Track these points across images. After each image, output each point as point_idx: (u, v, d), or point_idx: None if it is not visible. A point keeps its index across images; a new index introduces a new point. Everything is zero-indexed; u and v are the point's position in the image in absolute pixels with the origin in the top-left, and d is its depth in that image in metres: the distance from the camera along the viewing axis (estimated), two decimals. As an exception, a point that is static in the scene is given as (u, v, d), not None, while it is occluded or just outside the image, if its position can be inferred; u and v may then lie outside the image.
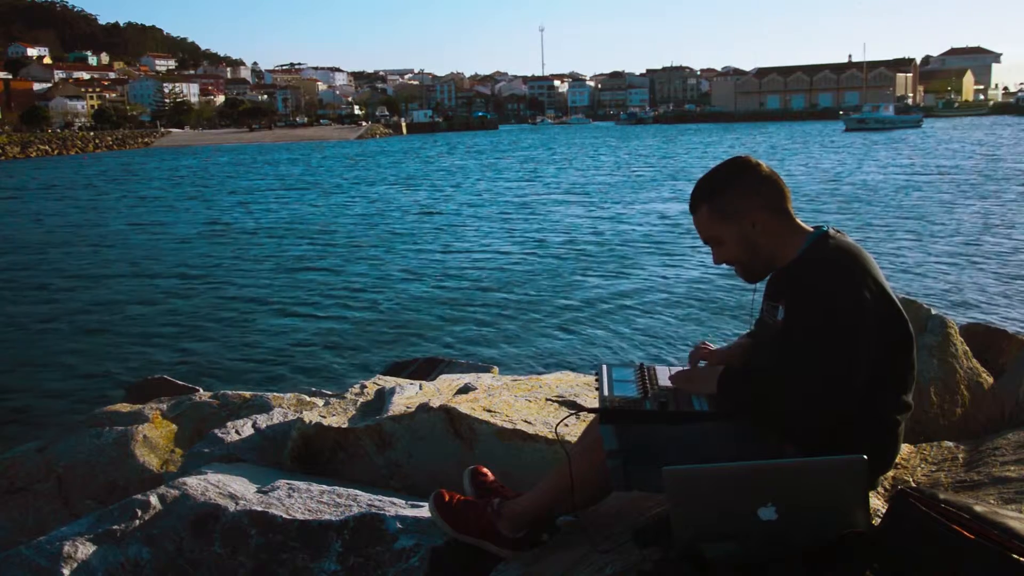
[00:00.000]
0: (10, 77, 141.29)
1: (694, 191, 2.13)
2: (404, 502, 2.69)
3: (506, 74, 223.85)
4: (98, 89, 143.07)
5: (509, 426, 2.92)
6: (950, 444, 2.68)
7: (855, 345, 1.86)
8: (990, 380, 3.32)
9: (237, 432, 3.47)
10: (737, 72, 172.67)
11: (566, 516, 2.41)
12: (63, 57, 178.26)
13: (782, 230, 2.05)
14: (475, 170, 45.73)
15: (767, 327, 2.11)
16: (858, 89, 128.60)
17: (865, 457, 1.66)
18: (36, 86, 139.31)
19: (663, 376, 2.25)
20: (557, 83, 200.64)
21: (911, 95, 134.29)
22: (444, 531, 2.40)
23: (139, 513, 2.60)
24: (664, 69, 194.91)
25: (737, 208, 2.04)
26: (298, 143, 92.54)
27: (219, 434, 3.45)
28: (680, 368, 2.29)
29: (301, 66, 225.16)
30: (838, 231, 2.04)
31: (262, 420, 3.59)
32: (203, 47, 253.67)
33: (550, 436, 2.85)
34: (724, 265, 2.15)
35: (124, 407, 4.34)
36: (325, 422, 3.25)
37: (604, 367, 2.30)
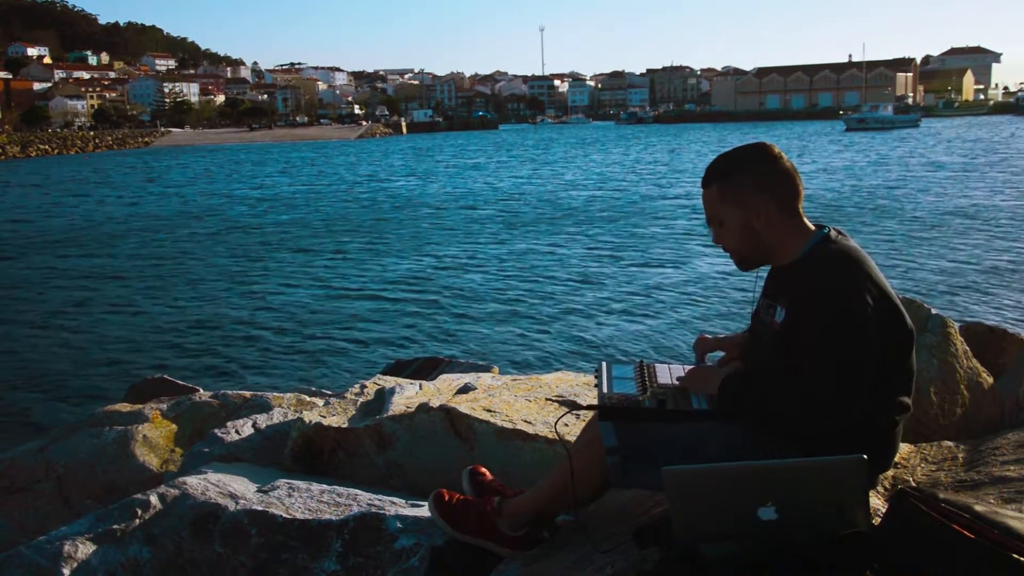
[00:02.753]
0: (10, 77, 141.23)
1: (710, 166, 2.10)
2: (404, 502, 2.69)
3: (506, 74, 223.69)
4: (98, 89, 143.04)
5: (509, 426, 2.92)
6: (950, 444, 2.68)
7: (858, 348, 1.85)
8: (990, 380, 3.32)
9: (237, 432, 3.47)
10: (737, 72, 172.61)
11: (566, 516, 2.41)
12: (63, 57, 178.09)
13: (786, 228, 2.04)
14: (480, 169, 45.73)
15: (764, 325, 2.10)
16: (858, 89, 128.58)
17: (865, 457, 1.66)
18: (36, 86, 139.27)
19: (663, 374, 2.25)
20: (557, 83, 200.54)
21: (911, 95, 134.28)
22: (444, 531, 2.40)
23: (139, 513, 2.60)
24: (664, 69, 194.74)
25: (747, 195, 2.02)
26: (302, 143, 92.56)
27: (219, 434, 3.45)
28: (679, 366, 2.28)
29: (301, 66, 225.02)
30: (840, 232, 2.03)
31: (262, 420, 3.59)
32: (203, 47, 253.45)
33: (550, 435, 2.85)
34: (721, 248, 2.14)
35: (124, 407, 4.34)
36: (325, 422, 3.25)
37: (604, 364, 2.29)
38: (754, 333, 2.22)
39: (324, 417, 3.31)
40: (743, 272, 2.17)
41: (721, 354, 2.36)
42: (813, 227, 2.06)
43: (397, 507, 2.62)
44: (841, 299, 1.87)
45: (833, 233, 2.02)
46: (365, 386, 3.78)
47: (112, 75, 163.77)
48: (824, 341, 1.86)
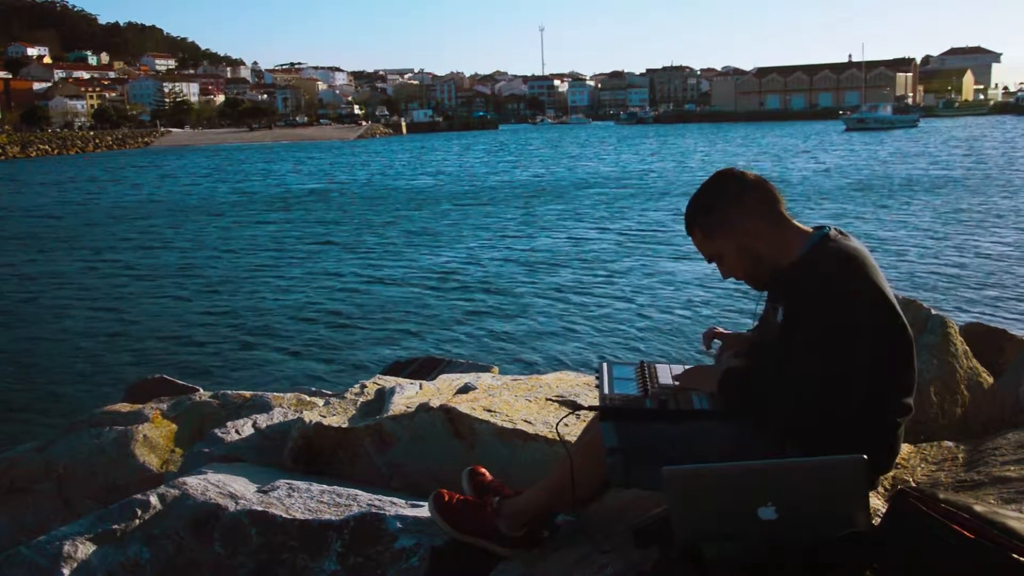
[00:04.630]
0: (10, 77, 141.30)
1: (686, 215, 2.14)
2: (404, 502, 2.69)
3: (506, 74, 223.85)
4: (98, 89, 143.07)
5: (509, 426, 2.92)
6: (950, 444, 2.68)
7: (852, 348, 1.86)
8: (990, 380, 3.32)
9: (237, 432, 3.46)
10: (737, 72, 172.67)
11: (566, 516, 2.41)
12: (63, 57, 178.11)
13: (779, 235, 2.05)
14: (483, 168, 45.73)
15: (770, 326, 2.11)
16: (858, 89, 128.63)
17: (865, 457, 1.66)
18: (36, 86, 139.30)
19: (664, 374, 2.25)
20: (557, 83, 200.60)
21: (911, 95, 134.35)
22: (444, 531, 2.40)
23: (139, 513, 2.60)
24: (664, 69, 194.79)
25: (730, 224, 2.05)
26: (303, 143, 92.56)
27: (219, 434, 3.45)
28: (680, 366, 2.29)
29: (301, 66, 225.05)
30: (840, 232, 2.03)
31: (262, 420, 3.59)
32: (203, 47, 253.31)
33: (550, 436, 2.85)
34: (732, 279, 2.15)
35: (124, 407, 4.33)
36: (325, 422, 3.25)
37: (604, 364, 2.29)
38: (761, 335, 2.22)
39: (324, 417, 3.31)
40: (759, 291, 2.18)
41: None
42: (811, 229, 2.07)
43: (397, 507, 2.62)
44: (835, 298, 1.87)
45: (833, 232, 2.02)
46: (365, 386, 3.78)
47: (112, 75, 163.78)
48: (818, 340, 1.86)
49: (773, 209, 2.05)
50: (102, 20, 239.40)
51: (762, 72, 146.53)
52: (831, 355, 1.85)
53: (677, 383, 2.18)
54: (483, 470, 2.58)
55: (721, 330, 2.40)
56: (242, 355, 10.44)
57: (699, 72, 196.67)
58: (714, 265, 2.16)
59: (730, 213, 2.04)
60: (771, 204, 2.05)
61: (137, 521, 2.57)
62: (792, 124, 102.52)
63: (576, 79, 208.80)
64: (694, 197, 2.13)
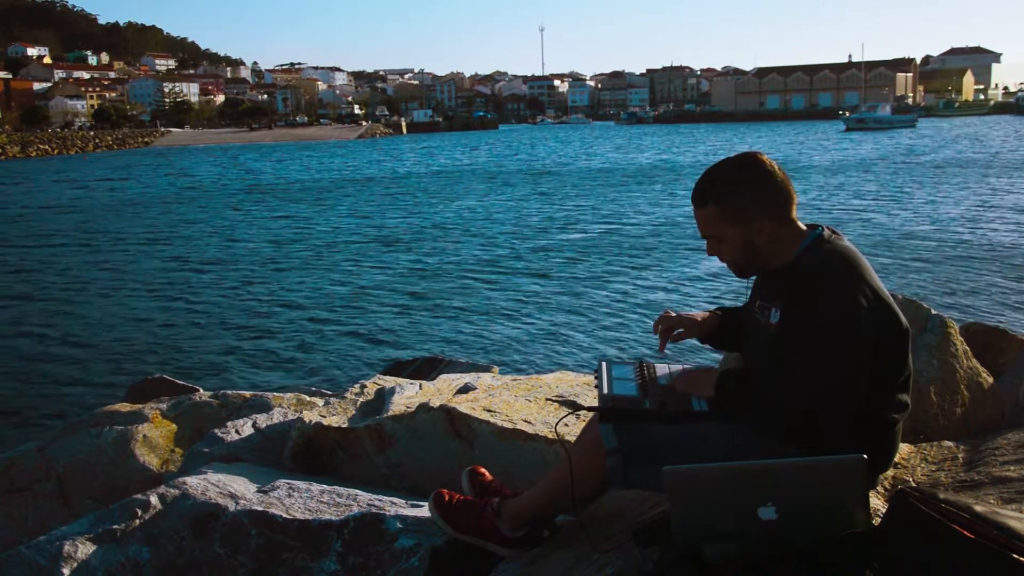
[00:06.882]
0: (10, 77, 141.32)
1: (703, 184, 2.05)
2: (404, 502, 2.69)
3: (506, 74, 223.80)
4: (98, 89, 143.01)
5: (509, 426, 2.92)
6: (950, 444, 2.68)
7: (852, 348, 1.86)
8: (990, 380, 3.31)
9: (237, 432, 3.46)
10: (737, 72, 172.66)
11: (566, 516, 2.41)
12: (63, 57, 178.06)
13: (784, 236, 2.03)
14: (472, 170, 45.72)
15: (759, 326, 2.10)
16: (858, 89, 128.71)
17: (865, 457, 1.66)
18: (36, 86, 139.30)
19: (663, 373, 2.25)
20: (557, 83, 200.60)
21: (911, 95, 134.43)
22: (444, 531, 2.40)
23: (139, 513, 2.60)
24: (664, 69, 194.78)
25: (747, 213, 1.99)
26: (303, 142, 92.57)
27: (219, 434, 3.45)
28: (679, 365, 2.29)
29: (301, 66, 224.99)
30: (834, 232, 2.03)
31: (262, 420, 3.59)
32: (203, 47, 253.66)
33: (550, 436, 2.85)
34: (717, 259, 2.12)
35: (124, 407, 4.34)
36: (325, 422, 3.25)
37: (604, 364, 2.29)
38: (748, 334, 2.22)
39: (324, 417, 3.31)
40: (741, 280, 2.17)
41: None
42: (805, 227, 2.06)
43: (397, 507, 2.63)
44: (835, 299, 1.87)
45: (827, 233, 2.02)
46: (365, 386, 3.78)
47: (112, 75, 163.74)
48: (819, 341, 1.86)
49: (788, 211, 2.03)
50: (102, 20, 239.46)
51: (762, 72, 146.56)
52: (831, 356, 1.85)
53: (674, 385, 2.18)
54: (483, 470, 2.58)
55: (674, 314, 2.34)
56: (242, 355, 10.44)
57: (699, 72, 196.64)
58: (706, 244, 2.12)
59: (751, 206, 1.99)
60: (789, 206, 2.02)
61: (137, 521, 2.58)
62: (792, 124, 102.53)
63: (576, 79, 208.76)
64: (719, 171, 2.04)
